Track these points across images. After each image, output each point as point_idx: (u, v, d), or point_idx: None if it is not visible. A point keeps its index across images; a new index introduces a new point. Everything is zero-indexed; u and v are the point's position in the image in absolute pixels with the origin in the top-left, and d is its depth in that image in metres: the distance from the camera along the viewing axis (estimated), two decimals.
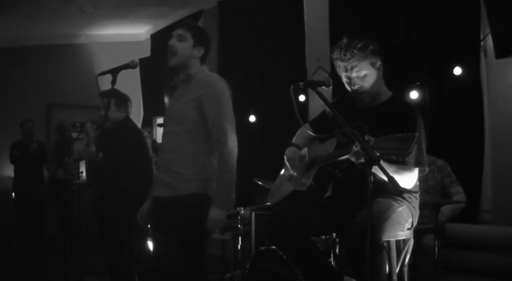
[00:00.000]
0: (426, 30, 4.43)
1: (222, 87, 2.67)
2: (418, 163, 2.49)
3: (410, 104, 2.71)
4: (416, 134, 2.04)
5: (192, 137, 2.63)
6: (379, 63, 2.66)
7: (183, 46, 2.69)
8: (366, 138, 2.12)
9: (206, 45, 2.76)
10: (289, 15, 5.72)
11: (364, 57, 2.60)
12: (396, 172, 2.36)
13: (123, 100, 3.99)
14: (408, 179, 2.51)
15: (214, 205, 2.55)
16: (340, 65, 2.66)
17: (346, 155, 2.36)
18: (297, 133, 2.97)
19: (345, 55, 2.61)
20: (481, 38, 4.10)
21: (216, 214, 2.53)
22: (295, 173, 2.79)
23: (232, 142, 2.59)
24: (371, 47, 2.62)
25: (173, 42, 2.69)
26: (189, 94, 2.69)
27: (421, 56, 4.43)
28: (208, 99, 2.61)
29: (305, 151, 2.86)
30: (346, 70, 2.64)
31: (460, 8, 4.20)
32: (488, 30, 3.93)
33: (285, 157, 2.81)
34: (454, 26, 4.24)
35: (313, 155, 2.79)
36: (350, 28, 4.77)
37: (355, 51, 2.59)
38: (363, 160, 2.20)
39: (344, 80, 2.69)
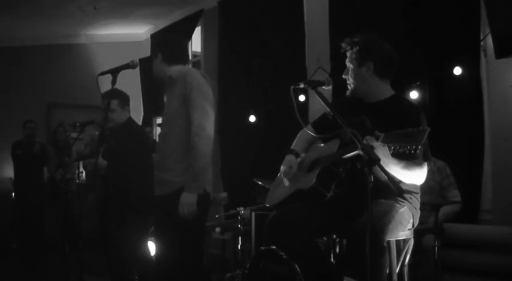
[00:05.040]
0: (426, 30, 4.43)
1: (193, 79, 2.77)
2: (425, 158, 2.48)
3: (413, 103, 2.71)
4: (428, 128, 2.04)
5: (178, 134, 2.78)
6: (369, 63, 2.61)
7: (154, 64, 2.98)
8: (375, 134, 2.15)
9: (163, 50, 2.96)
10: (289, 15, 5.72)
11: (352, 52, 2.65)
12: (406, 168, 2.35)
13: (126, 100, 3.96)
14: (419, 175, 2.47)
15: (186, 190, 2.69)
16: None
17: (354, 151, 2.33)
18: (297, 136, 2.95)
19: (344, 42, 2.69)
20: (481, 38, 4.10)
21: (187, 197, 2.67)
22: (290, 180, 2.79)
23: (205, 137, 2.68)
24: (357, 48, 2.63)
25: None
26: (174, 94, 2.83)
27: (421, 56, 4.43)
28: (187, 95, 2.74)
29: (303, 156, 2.85)
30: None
31: (460, 8, 4.19)
32: (488, 30, 3.93)
33: (281, 168, 2.81)
34: (454, 26, 4.24)
35: (315, 156, 2.78)
36: (350, 28, 4.76)
37: (347, 45, 2.66)
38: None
39: None
